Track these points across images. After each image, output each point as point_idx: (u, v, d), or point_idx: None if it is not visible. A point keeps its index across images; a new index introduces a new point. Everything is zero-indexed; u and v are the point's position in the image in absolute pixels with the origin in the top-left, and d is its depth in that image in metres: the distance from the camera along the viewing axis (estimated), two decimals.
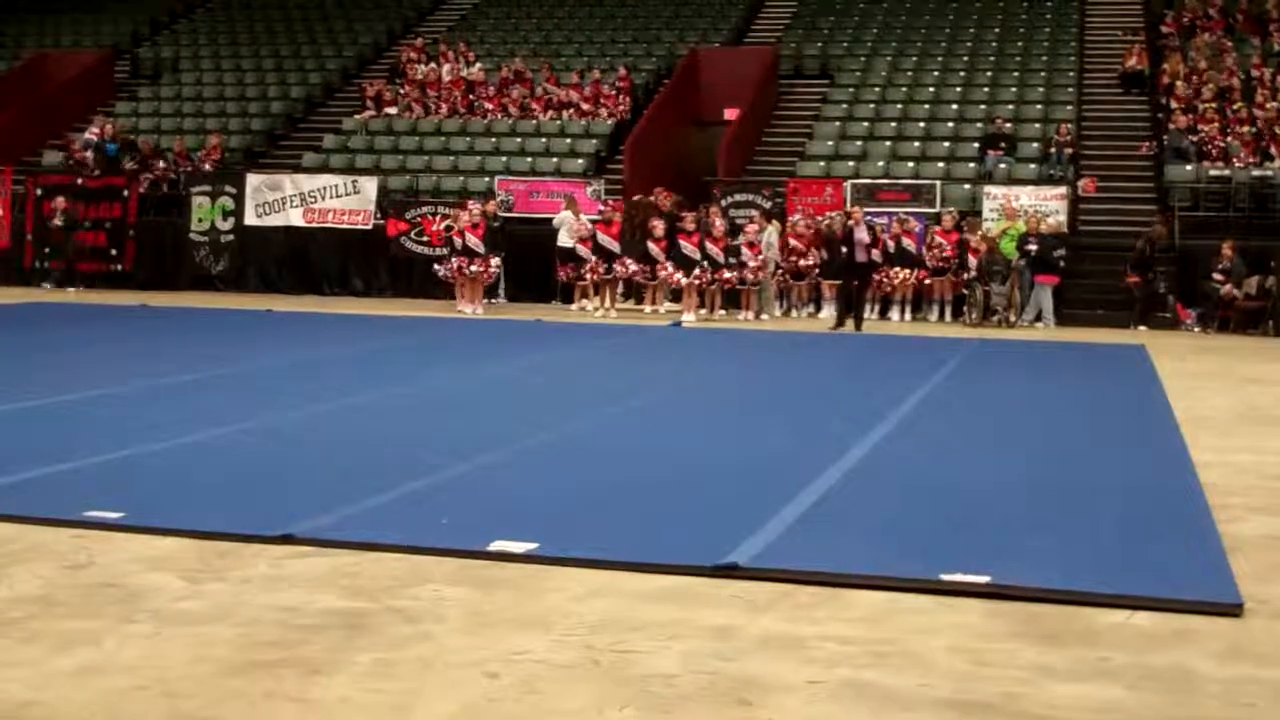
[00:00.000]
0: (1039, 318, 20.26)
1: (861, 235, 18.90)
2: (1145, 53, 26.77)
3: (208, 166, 25.15)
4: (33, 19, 34.50)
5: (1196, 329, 20.02)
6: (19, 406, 9.92)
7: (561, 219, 21.46)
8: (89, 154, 25.30)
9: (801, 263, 21.05)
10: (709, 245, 19.92)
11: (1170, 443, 9.53)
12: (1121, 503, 7.49)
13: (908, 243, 20.75)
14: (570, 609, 5.25)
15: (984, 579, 5.62)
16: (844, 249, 19.25)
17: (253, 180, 23.93)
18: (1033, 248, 20.38)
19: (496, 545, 6.05)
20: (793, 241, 21.08)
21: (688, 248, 19.89)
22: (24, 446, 8.33)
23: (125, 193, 24.04)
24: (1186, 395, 12.19)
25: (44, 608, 5.13)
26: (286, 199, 23.53)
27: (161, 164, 25.26)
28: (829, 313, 20.93)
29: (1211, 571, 5.92)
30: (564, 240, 21.16)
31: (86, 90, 29.76)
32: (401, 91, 27.79)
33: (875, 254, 20.09)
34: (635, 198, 22.04)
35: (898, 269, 20.66)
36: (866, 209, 20.94)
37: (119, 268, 23.81)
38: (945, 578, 5.64)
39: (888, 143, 25.08)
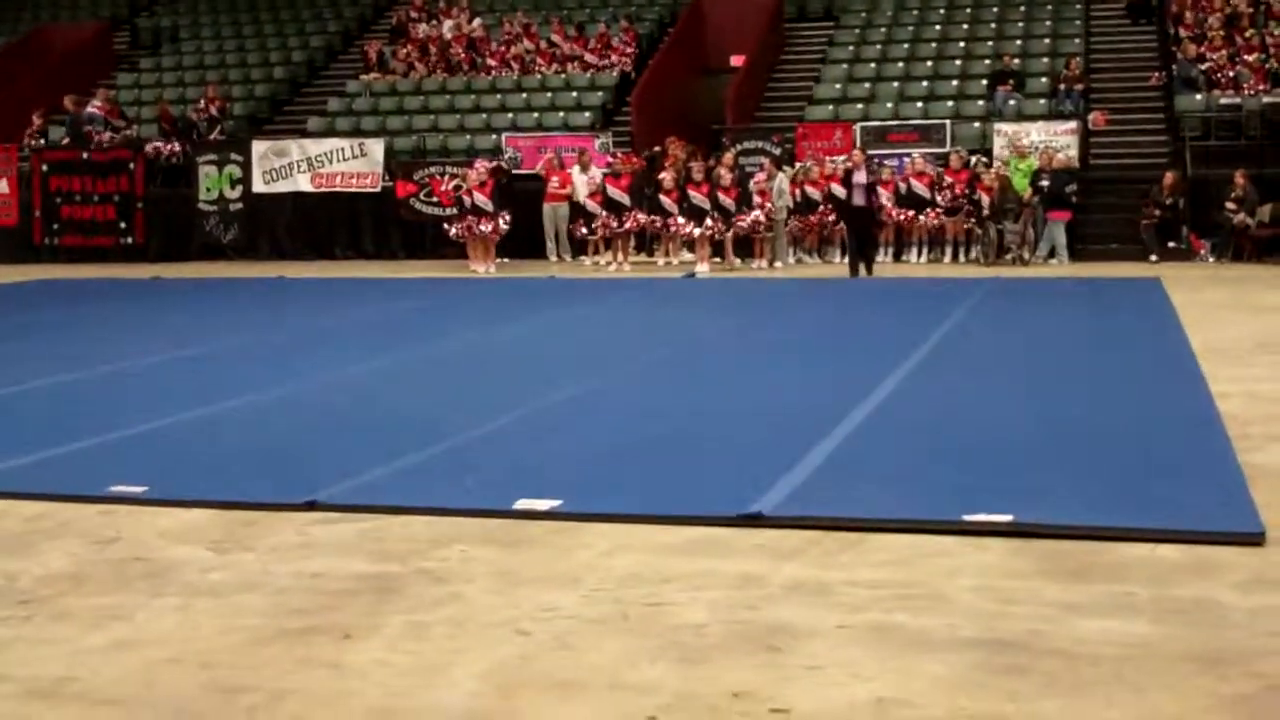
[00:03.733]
0: (1053, 254, 20.17)
1: (859, 178, 18.64)
2: None
3: (213, 112, 25.19)
4: None
5: (1211, 259, 19.93)
6: (38, 384, 9.97)
7: (575, 175, 21.46)
8: (92, 128, 25.22)
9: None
10: (720, 195, 19.81)
11: (1188, 374, 9.52)
12: (1141, 436, 7.50)
13: (918, 185, 20.63)
14: (597, 564, 5.29)
15: (1006, 518, 5.64)
16: (844, 192, 19.11)
17: (259, 147, 23.90)
18: (1045, 183, 20.28)
19: (521, 504, 6.08)
20: (809, 190, 20.91)
21: (697, 198, 19.80)
22: (45, 424, 8.38)
23: (132, 165, 24.03)
24: (1203, 326, 12.16)
25: (75, 584, 5.18)
26: (294, 165, 23.51)
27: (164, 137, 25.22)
28: (835, 257, 20.89)
29: (1233, 502, 5.93)
30: (580, 195, 21.16)
31: (87, 63, 29.70)
32: (404, 51, 27.66)
33: (885, 197, 20.02)
34: (655, 148, 21.95)
35: (910, 211, 20.57)
36: (876, 151, 20.92)
37: (130, 240, 23.85)
38: (968, 518, 5.66)
39: (895, 84, 24.93)
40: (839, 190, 19.83)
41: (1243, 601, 4.71)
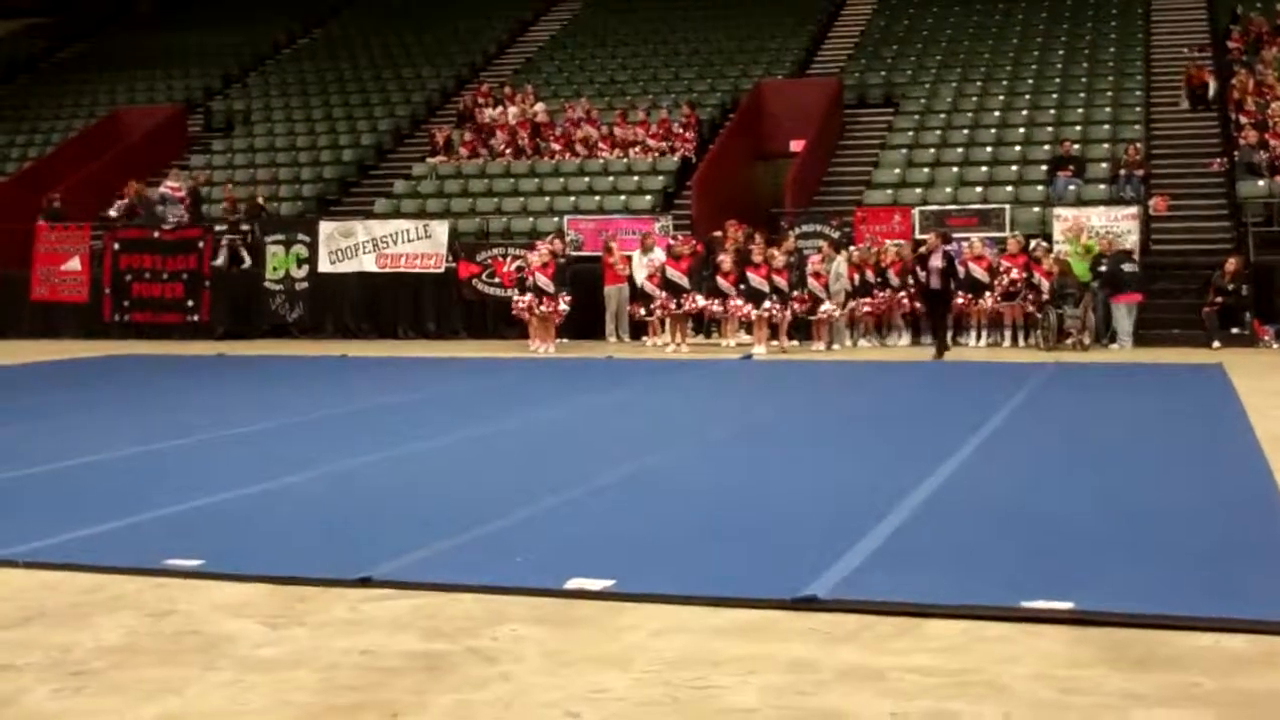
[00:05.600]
0: (1114, 339, 19.99)
1: (935, 262, 18.86)
2: (1211, 70, 26.37)
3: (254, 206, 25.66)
4: (107, 76, 35.29)
5: (1275, 346, 19.67)
6: (100, 458, 10.08)
7: (636, 258, 21.60)
8: (162, 208, 25.75)
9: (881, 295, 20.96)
10: (776, 277, 19.87)
11: (1252, 462, 9.35)
12: (1204, 524, 7.36)
13: (977, 269, 20.55)
14: (648, 645, 5.24)
15: (1067, 605, 5.54)
16: (922, 276, 19.37)
17: (326, 228, 24.21)
18: (1104, 268, 20.15)
19: (573, 583, 6.05)
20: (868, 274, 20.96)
21: (756, 280, 19.85)
22: (104, 497, 8.46)
23: (200, 244, 24.43)
24: (1267, 414, 11.94)
25: (127, 657, 5.19)
26: (359, 245, 23.79)
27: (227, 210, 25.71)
28: (896, 340, 20.90)
29: None
30: (638, 277, 21.28)
31: (161, 145, 30.37)
32: (467, 138, 28.04)
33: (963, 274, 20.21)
34: (715, 233, 22.05)
35: (969, 294, 20.50)
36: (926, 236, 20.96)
37: (196, 318, 24.18)
38: (1027, 605, 5.57)
39: (955, 168, 24.96)
40: (892, 277, 20.59)
41: None
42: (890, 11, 32.38)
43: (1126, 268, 20.10)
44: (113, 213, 26.17)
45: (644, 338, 21.45)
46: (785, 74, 29.69)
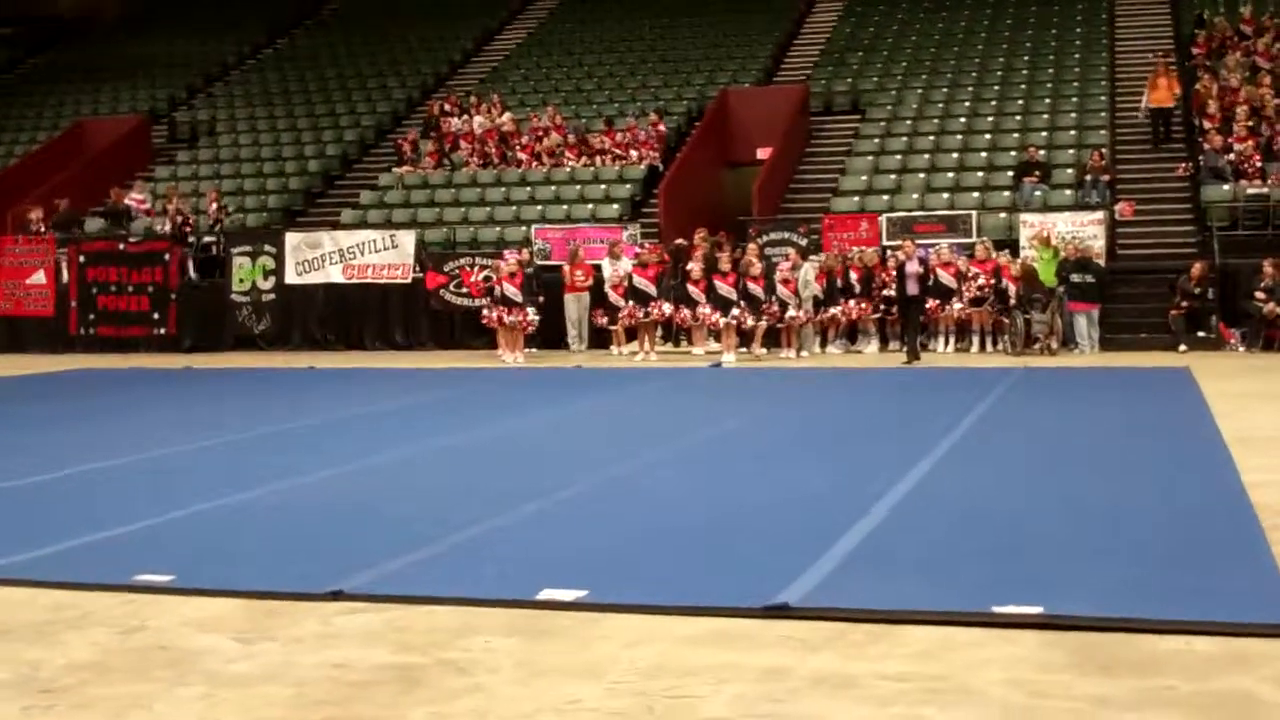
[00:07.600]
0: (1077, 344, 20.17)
1: (913, 267, 19.05)
2: (1175, 79, 26.36)
3: (216, 215, 25.51)
4: (71, 87, 35.09)
5: (1241, 349, 19.84)
6: (67, 473, 10.00)
7: (606, 266, 21.61)
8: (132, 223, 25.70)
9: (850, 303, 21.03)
10: (748, 284, 19.92)
11: (1219, 464, 9.42)
12: (1173, 527, 7.41)
13: (944, 275, 20.66)
14: (621, 655, 5.23)
15: (1037, 610, 5.56)
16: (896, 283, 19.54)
17: (292, 239, 24.13)
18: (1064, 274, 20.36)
19: (545, 594, 6.04)
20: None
21: (724, 288, 19.89)
22: (72, 513, 8.39)
23: (167, 257, 24.31)
24: (1233, 415, 12.06)
25: (97, 674, 5.15)
26: (326, 256, 23.72)
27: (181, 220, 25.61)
28: (865, 346, 20.99)
29: (1268, 593, 5.84)
30: (608, 285, 21.30)
31: (125, 156, 30.20)
32: (431, 148, 27.98)
33: (945, 277, 20.37)
34: (680, 241, 22.08)
35: (936, 301, 20.60)
36: (895, 243, 21.07)
37: (163, 331, 24.05)
38: (997, 610, 5.59)
39: (921, 175, 25.08)
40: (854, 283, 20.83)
41: None
42: (856, 18, 32.53)
43: (1075, 278, 20.20)
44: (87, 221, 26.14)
45: (611, 346, 21.44)
46: (752, 81, 29.78)
